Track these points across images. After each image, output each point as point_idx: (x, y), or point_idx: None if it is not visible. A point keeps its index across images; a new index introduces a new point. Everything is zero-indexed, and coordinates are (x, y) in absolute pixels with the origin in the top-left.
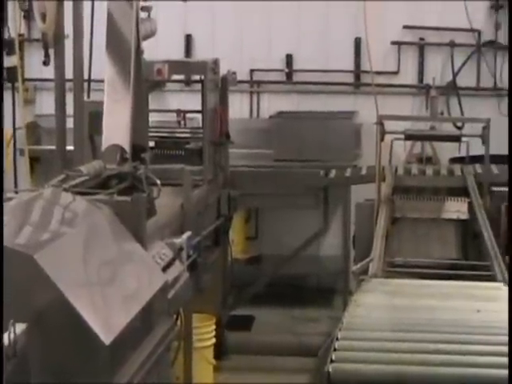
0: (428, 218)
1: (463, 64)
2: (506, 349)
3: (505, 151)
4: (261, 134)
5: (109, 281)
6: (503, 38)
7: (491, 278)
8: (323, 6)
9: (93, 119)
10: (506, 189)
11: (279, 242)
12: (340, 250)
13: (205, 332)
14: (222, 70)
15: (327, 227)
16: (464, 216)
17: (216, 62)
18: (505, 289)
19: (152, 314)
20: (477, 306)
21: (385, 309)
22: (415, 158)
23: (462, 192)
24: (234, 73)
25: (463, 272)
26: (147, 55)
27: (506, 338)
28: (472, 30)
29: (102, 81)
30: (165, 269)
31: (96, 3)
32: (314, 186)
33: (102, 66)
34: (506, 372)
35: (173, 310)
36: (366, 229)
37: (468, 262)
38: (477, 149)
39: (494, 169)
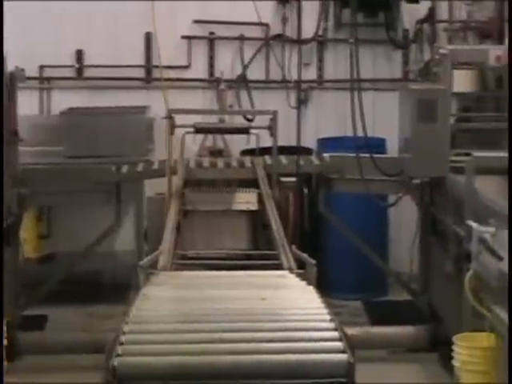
0: (219, 210)
1: (252, 57)
2: (288, 334)
3: (293, 142)
4: (51, 130)
5: None
6: (290, 32)
7: (279, 267)
8: (112, 1)
9: None
10: (293, 179)
11: (73, 239)
12: (134, 245)
13: None
14: (10, 67)
15: (120, 222)
16: (254, 207)
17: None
18: (290, 276)
19: None
20: (263, 294)
21: (173, 301)
22: (207, 151)
23: (252, 183)
24: (23, 69)
25: (254, 262)
26: None
27: (288, 324)
28: (261, 24)
29: None
30: None
31: None
32: (106, 182)
33: None
34: (290, 357)
35: None
36: (157, 223)
37: (258, 251)
38: (267, 141)
39: (283, 159)
